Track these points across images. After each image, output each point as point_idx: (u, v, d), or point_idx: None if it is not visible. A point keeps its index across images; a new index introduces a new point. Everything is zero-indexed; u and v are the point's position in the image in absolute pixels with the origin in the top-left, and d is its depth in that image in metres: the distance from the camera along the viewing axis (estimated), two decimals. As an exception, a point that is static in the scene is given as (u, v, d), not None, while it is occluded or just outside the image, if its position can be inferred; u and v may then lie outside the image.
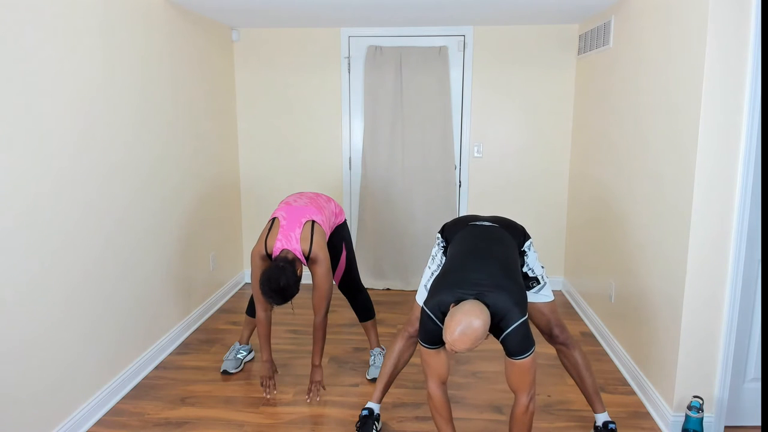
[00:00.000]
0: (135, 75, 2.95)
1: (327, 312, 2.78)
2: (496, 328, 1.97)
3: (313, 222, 2.75)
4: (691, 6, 2.37)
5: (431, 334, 2.03)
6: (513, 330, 1.92)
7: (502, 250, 2.16)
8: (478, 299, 1.94)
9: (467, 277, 2.00)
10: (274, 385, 2.80)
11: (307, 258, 2.69)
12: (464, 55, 4.26)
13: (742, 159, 2.28)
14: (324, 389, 2.94)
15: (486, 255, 2.10)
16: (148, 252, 3.11)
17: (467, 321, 1.83)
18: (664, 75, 2.62)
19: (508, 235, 2.28)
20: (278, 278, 2.50)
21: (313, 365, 2.79)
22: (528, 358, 1.95)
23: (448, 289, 1.99)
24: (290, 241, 2.68)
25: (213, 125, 4.01)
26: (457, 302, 1.96)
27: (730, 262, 2.37)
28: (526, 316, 1.95)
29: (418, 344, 2.52)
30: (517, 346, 1.93)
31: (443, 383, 2.14)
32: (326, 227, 2.83)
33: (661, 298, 2.66)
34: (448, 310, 1.98)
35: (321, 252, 2.68)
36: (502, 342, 1.97)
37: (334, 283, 3.15)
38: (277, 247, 2.68)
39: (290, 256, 2.63)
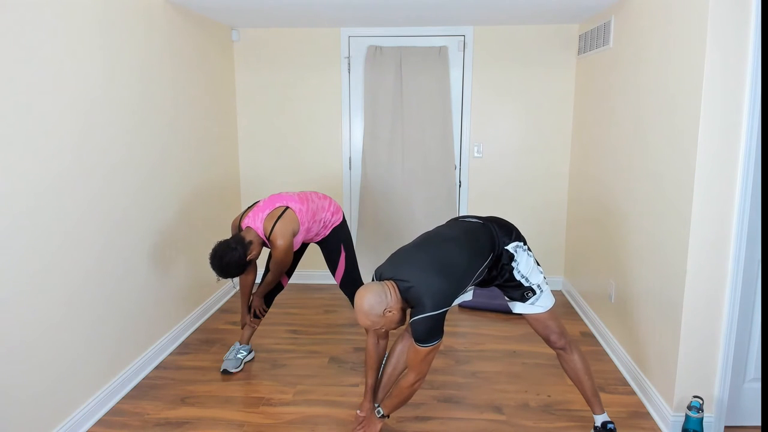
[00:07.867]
0: (135, 75, 2.95)
1: (277, 275, 2.96)
2: (412, 309, 2.15)
3: (286, 207, 2.85)
4: (691, 6, 2.37)
5: None
6: (418, 320, 2.09)
7: (454, 247, 2.19)
8: (393, 280, 2.13)
9: (400, 259, 2.19)
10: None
11: (269, 239, 2.81)
12: (464, 55, 4.26)
13: (742, 159, 2.27)
14: (262, 314, 3.14)
15: (429, 245, 2.22)
16: (148, 252, 3.11)
17: (358, 298, 2.09)
18: (664, 75, 2.62)
19: (486, 233, 2.29)
20: (224, 255, 2.66)
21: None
22: (424, 348, 2.12)
23: (383, 265, 2.23)
24: (255, 221, 2.84)
25: (213, 125, 4.01)
26: (378, 278, 2.20)
27: (730, 262, 2.37)
28: (438, 311, 2.07)
29: None
30: (417, 333, 2.10)
31: (382, 339, 2.42)
32: (304, 217, 2.91)
33: (661, 298, 2.66)
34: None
35: (280, 239, 2.79)
36: (410, 323, 2.14)
37: (335, 282, 3.22)
38: (245, 223, 2.87)
39: (248, 239, 2.76)
